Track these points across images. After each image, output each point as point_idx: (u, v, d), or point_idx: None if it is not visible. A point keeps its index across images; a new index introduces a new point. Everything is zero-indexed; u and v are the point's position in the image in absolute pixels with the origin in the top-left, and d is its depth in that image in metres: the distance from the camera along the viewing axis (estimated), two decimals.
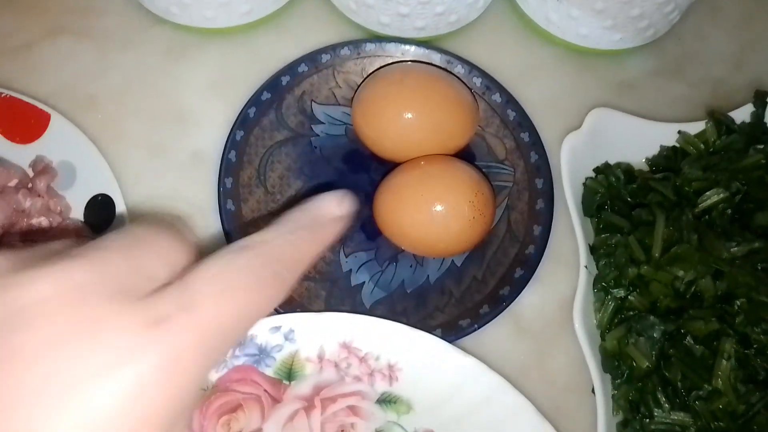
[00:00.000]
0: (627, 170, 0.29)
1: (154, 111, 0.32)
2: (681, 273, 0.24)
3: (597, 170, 0.29)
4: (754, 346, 0.23)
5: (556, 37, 0.33)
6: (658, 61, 0.35)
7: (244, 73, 0.32)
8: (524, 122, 0.30)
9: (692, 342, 0.24)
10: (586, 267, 0.26)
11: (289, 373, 0.25)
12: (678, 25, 0.34)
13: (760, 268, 0.24)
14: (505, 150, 0.30)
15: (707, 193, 0.25)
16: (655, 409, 0.24)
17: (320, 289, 0.27)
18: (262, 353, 0.24)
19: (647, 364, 0.24)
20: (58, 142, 0.28)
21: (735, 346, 0.23)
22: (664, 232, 0.25)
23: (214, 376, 0.24)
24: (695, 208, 0.25)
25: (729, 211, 0.25)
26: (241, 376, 0.24)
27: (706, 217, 0.25)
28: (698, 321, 0.24)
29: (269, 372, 0.24)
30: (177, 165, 0.30)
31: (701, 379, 0.23)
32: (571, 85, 0.33)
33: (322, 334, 0.24)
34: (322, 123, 0.30)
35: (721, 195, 0.25)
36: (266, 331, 0.24)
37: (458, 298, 0.27)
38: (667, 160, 0.28)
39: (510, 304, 0.26)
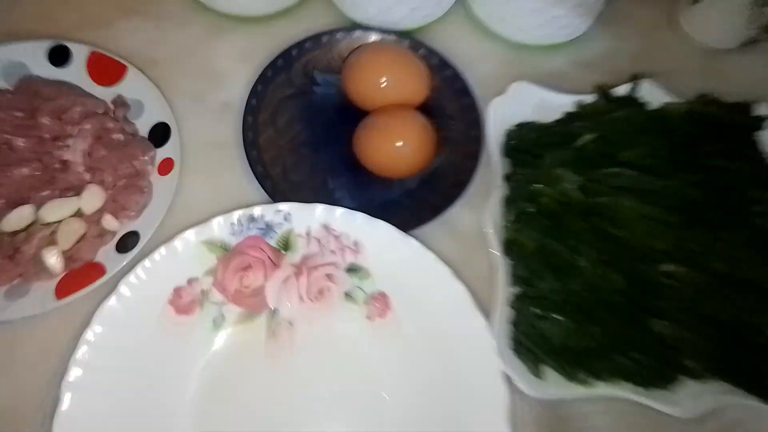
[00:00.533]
0: (538, 126, 0.39)
1: (197, 71, 0.43)
2: (560, 188, 0.35)
3: (517, 125, 0.39)
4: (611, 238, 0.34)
5: (500, 34, 0.44)
6: (579, 55, 0.46)
7: (265, 47, 0.43)
8: (466, 90, 0.41)
9: (566, 235, 0.34)
10: (498, 187, 0.37)
11: (286, 244, 0.35)
12: (596, 27, 0.46)
13: (617, 185, 0.35)
14: (453, 110, 0.41)
15: (582, 134, 0.36)
16: (537, 280, 0.34)
17: (310, 201, 0.38)
18: (268, 228, 0.35)
19: (533, 245, 0.34)
20: (131, 86, 0.39)
21: (593, 237, 0.34)
22: (551, 161, 0.35)
23: (233, 240, 0.35)
24: (573, 142, 0.36)
25: (598, 147, 0.36)
26: (253, 243, 0.35)
27: (585, 150, 0.36)
28: (571, 219, 0.34)
29: (272, 242, 0.35)
30: (213, 109, 0.41)
31: (571, 260, 0.34)
32: (510, 70, 0.44)
33: (310, 218, 0.35)
34: (319, 84, 0.42)
35: (591, 136, 0.36)
36: (272, 212, 0.35)
37: (410, 208, 0.38)
38: (565, 120, 0.39)
39: (443, 212, 0.37)
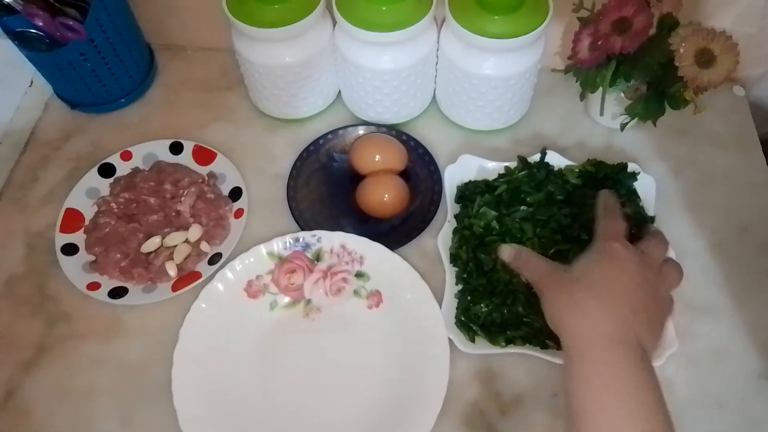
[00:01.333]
0: (478, 182, 0.59)
1: (259, 154, 0.66)
2: (484, 221, 0.54)
3: (465, 183, 0.59)
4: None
5: (459, 124, 0.65)
6: (514, 135, 0.66)
7: (303, 138, 0.65)
8: (432, 161, 0.62)
9: (488, 250, 0.53)
10: (449, 222, 0.56)
11: (318, 257, 0.56)
12: (527, 116, 0.66)
13: (520, 217, 0.54)
14: (423, 174, 0.62)
15: (500, 186, 0.56)
16: (471, 279, 0.53)
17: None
18: (307, 246, 0.56)
19: (466, 257, 0.53)
20: (219, 165, 0.62)
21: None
22: (478, 203, 0.55)
23: (285, 252, 0.55)
24: (494, 192, 0.55)
25: (509, 193, 0.55)
26: (297, 255, 0.55)
27: (501, 196, 0.55)
28: (492, 239, 0.53)
29: (309, 255, 0.56)
30: (269, 178, 0.63)
31: (489, 265, 0.52)
32: (464, 147, 0.65)
33: (333, 241, 0.56)
34: (337, 161, 0.63)
35: (505, 186, 0.55)
36: (309, 236, 0.56)
37: (394, 236, 0.58)
38: (497, 178, 0.59)
39: (415, 238, 0.57)
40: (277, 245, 0.56)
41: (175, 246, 0.57)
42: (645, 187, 0.58)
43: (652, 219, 0.57)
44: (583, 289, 0.42)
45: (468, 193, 0.58)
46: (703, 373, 0.52)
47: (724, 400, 0.51)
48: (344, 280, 0.55)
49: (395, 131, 0.64)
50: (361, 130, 0.64)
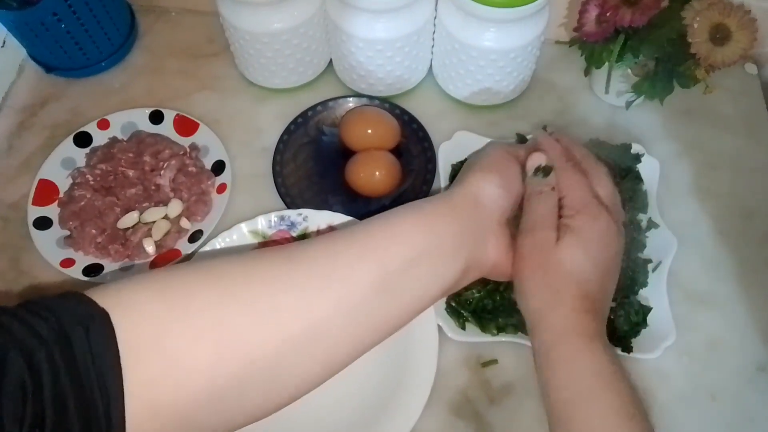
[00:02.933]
0: None
1: (246, 127, 0.63)
2: None
3: (460, 161, 0.56)
4: None
5: (456, 98, 0.62)
6: (513, 112, 0.63)
7: (292, 110, 0.62)
8: (426, 138, 0.59)
9: None
10: None
11: (303, 236, 0.53)
12: (528, 91, 0.63)
13: None
14: (417, 151, 0.59)
15: None
16: None
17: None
18: (292, 225, 0.53)
19: None
20: (202, 136, 0.59)
21: None
22: None
23: (269, 231, 0.53)
24: None
25: None
26: (282, 235, 0.53)
27: None
28: None
29: (295, 234, 0.53)
30: (255, 151, 0.60)
31: None
32: (461, 123, 0.62)
33: (319, 220, 0.53)
34: (326, 135, 0.60)
35: None
36: (295, 215, 0.53)
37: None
38: None
39: None
40: (261, 223, 0.53)
41: (154, 222, 0.54)
42: (648, 169, 0.56)
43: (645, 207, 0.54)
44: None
45: None
46: (698, 364, 0.50)
47: (718, 393, 0.49)
48: None
49: (388, 104, 0.61)
50: (351, 103, 0.61)
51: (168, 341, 0.32)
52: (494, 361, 0.50)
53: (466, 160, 0.56)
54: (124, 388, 0.30)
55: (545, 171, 0.44)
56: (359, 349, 0.38)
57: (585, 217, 0.41)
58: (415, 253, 0.38)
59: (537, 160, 0.44)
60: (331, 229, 0.53)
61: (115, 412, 0.29)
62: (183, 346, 0.32)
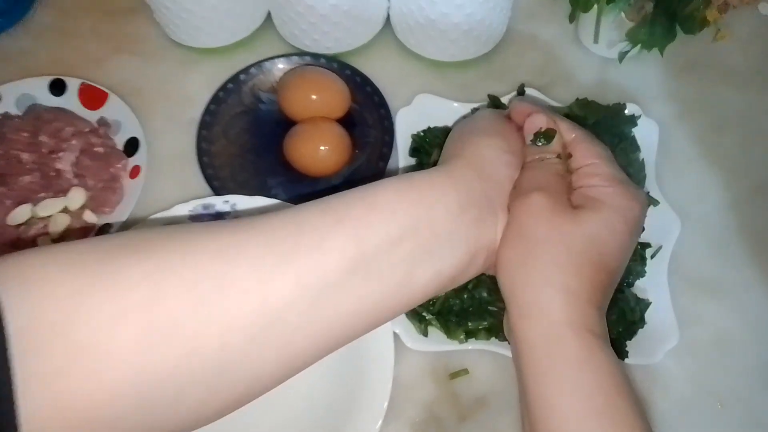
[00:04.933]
0: (443, 130, 0.47)
1: (171, 96, 0.53)
2: None
3: (423, 131, 0.47)
4: None
5: (418, 54, 0.52)
6: (486, 69, 0.53)
7: (225, 74, 0.52)
8: (383, 103, 0.49)
9: None
10: None
11: None
12: (501, 46, 0.53)
13: None
14: (372, 119, 0.49)
15: None
16: None
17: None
18: (218, 215, 0.44)
19: None
20: (112, 109, 0.49)
21: None
22: (435, 156, 0.43)
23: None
24: None
25: None
26: None
27: None
28: None
29: None
30: (182, 125, 0.51)
31: None
32: (427, 84, 0.52)
33: (251, 207, 0.44)
34: (264, 103, 0.51)
35: None
36: (221, 202, 0.44)
37: None
38: None
39: None
40: (180, 214, 0.44)
41: (50, 216, 0.45)
42: (645, 134, 0.47)
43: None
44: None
45: (426, 144, 0.46)
46: (703, 366, 0.43)
47: (727, 399, 0.42)
48: None
49: (337, 63, 0.51)
50: (293, 63, 0.51)
51: (81, 324, 0.24)
52: (464, 372, 0.42)
53: (429, 129, 0.47)
54: (19, 384, 0.23)
55: (547, 136, 0.35)
56: (324, 346, 0.29)
57: (622, 192, 0.32)
58: (400, 228, 0.29)
59: (537, 122, 0.35)
60: None
61: (4, 416, 0.22)
62: (100, 330, 0.24)
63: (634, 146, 0.47)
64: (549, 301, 0.29)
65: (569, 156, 0.35)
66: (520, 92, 0.48)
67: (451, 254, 0.30)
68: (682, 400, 0.42)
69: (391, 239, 0.28)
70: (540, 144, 0.34)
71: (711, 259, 0.46)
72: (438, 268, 0.30)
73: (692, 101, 0.52)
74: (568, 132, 0.35)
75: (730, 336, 0.44)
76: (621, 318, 0.40)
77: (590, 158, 0.34)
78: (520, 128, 0.36)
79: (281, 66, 0.51)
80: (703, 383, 0.42)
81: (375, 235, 0.28)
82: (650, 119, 0.47)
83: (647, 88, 0.52)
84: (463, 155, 0.34)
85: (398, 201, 0.30)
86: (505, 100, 0.48)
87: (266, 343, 0.26)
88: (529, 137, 0.35)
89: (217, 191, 0.46)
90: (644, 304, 0.42)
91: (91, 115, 0.49)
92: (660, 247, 0.43)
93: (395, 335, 0.40)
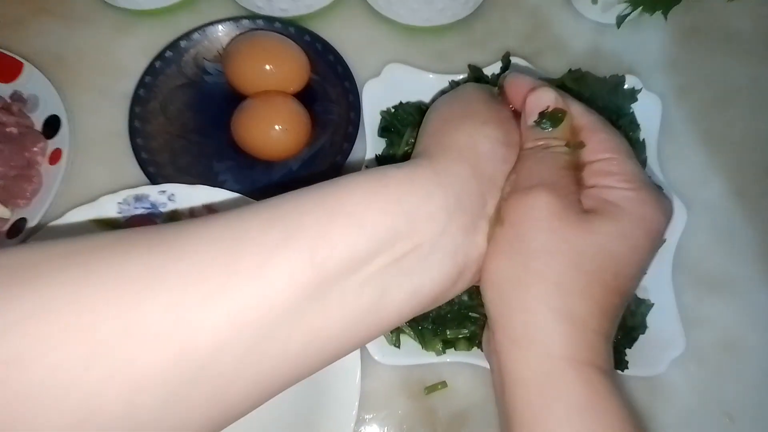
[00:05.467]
0: (417, 105, 0.41)
1: (102, 66, 0.45)
2: None
3: (394, 106, 0.41)
4: None
5: (389, 18, 0.46)
6: (467, 36, 0.47)
7: (165, 40, 0.45)
8: (348, 74, 0.42)
9: None
10: (366, 167, 0.38)
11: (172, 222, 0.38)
12: (484, 9, 0.47)
13: None
14: (335, 93, 0.43)
15: None
16: None
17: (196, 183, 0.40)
18: (153, 207, 0.37)
19: None
20: (28, 82, 0.42)
21: None
22: (409, 138, 0.37)
23: (120, 218, 0.37)
24: None
25: None
26: (141, 222, 0.37)
27: None
28: None
29: (159, 221, 0.37)
30: (115, 100, 0.43)
31: None
32: (398, 53, 0.46)
33: (192, 199, 0.37)
34: (210, 74, 0.43)
35: None
36: (156, 192, 0.37)
37: (291, 189, 0.39)
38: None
39: None
40: (107, 208, 0.37)
41: None
42: (647, 110, 0.41)
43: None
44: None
45: (397, 122, 0.40)
46: (709, 374, 0.38)
47: (736, 411, 0.38)
48: None
49: (294, 28, 0.44)
50: (241, 27, 0.44)
51: None
52: (442, 385, 0.37)
53: (401, 105, 0.41)
54: None
55: (554, 118, 0.28)
56: (269, 391, 0.23)
57: (646, 198, 0.26)
58: (370, 241, 0.22)
59: (544, 98, 0.28)
60: (209, 211, 0.38)
61: None
62: None
63: (634, 124, 0.41)
64: (548, 330, 0.23)
65: (580, 146, 0.28)
66: (505, 62, 0.42)
67: (434, 271, 0.24)
68: (686, 413, 0.37)
69: (357, 256, 0.22)
70: (545, 128, 0.28)
71: (717, 252, 0.41)
72: (416, 287, 0.23)
73: (697, 72, 0.46)
74: (580, 116, 0.29)
75: (740, 340, 0.39)
76: (620, 324, 0.35)
77: (607, 151, 0.27)
78: (515, 110, 0.30)
79: (229, 31, 0.44)
80: (709, 394, 0.38)
81: (337, 252, 0.22)
82: (653, 94, 0.41)
83: (647, 57, 0.46)
84: (453, 146, 0.27)
85: (368, 206, 0.23)
86: (487, 71, 0.41)
87: (189, 399, 0.20)
88: (532, 118, 0.28)
89: (153, 178, 0.39)
90: (646, 306, 0.36)
91: (2, 89, 0.41)
92: (663, 241, 0.38)
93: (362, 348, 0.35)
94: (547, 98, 0.28)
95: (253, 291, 0.20)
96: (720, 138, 0.44)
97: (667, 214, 0.27)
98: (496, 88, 0.32)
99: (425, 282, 0.23)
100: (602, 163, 0.27)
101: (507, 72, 0.34)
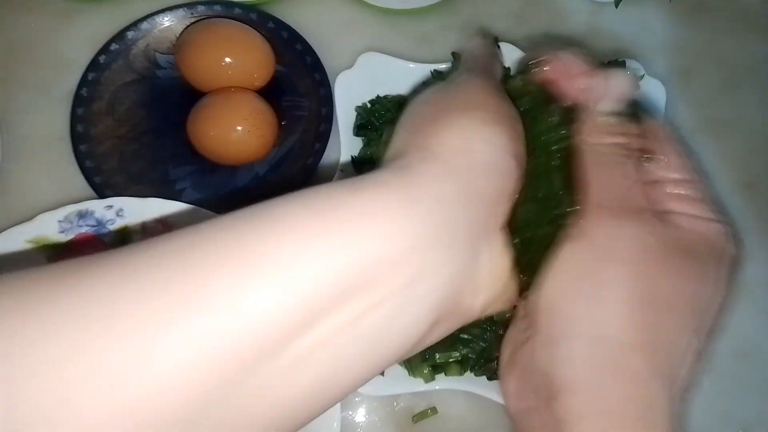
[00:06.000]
0: (396, 100, 0.37)
1: (44, 60, 0.40)
2: None
3: (371, 101, 0.37)
4: None
5: (365, 0, 0.41)
6: (450, 18, 0.42)
7: (109, 30, 0.40)
8: (317, 65, 0.38)
9: None
10: (342, 171, 0.34)
11: (122, 241, 0.33)
12: None
13: None
14: (305, 86, 0.38)
15: None
16: None
17: (148, 194, 0.35)
18: (100, 224, 0.33)
19: None
20: None
21: None
22: (388, 135, 0.33)
23: (64, 238, 0.32)
24: None
25: None
26: (86, 241, 0.33)
27: None
28: None
29: (107, 240, 0.33)
30: (58, 99, 0.38)
31: None
32: (376, 39, 0.41)
33: (144, 213, 0.33)
34: (164, 68, 0.39)
35: None
36: (102, 208, 0.33)
37: (258, 196, 0.35)
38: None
39: None
40: (47, 226, 0.32)
41: None
42: (649, 98, 0.38)
43: None
44: None
45: (374, 118, 0.36)
46: (723, 385, 0.35)
47: (752, 425, 0.35)
48: None
49: (256, 14, 0.39)
50: (196, 14, 0.39)
51: None
52: (432, 411, 0.33)
53: (378, 99, 0.36)
54: None
55: (638, 111, 0.23)
56: None
57: (725, 232, 0.21)
58: (306, 305, 0.16)
59: (623, 84, 0.22)
60: (165, 226, 0.33)
61: None
62: None
63: (638, 110, 0.37)
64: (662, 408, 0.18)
65: (659, 158, 0.22)
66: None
67: (407, 329, 0.18)
68: (698, 429, 0.34)
69: (285, 329, 0.16)
70: (620, 122, 0.22)
71: None
72: (379, 353, 0.18)
73: (701, 53, 0.42)
74: (651, 121, 0.23)
75: (753, 346, 0.36)
76: None
77: (686, 171, 0.22)
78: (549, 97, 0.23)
79: (182, 18, 0.39)
80: (724, 407, 0.35)
81: (254, 325, 0.15)
82: (655, 80, 0.38)
83: (649, 38, 0.42)
84: (439, 150, 0.20)
85: (308, 244, 0.17)
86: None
87: None
88: (611, 104, 0.22)
89: (100, 190, 0.35)
90: None
91: None
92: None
93: None
94: (627, 83, 0.22)
95: (181, 357, 0.15)
96: (728, 125, 0.41)
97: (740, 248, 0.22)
98: (518, 73, 0.26)
99: (383, 341, 0.18)
100: (679, 185, 0.22)
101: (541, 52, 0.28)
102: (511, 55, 0.37)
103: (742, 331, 0.36)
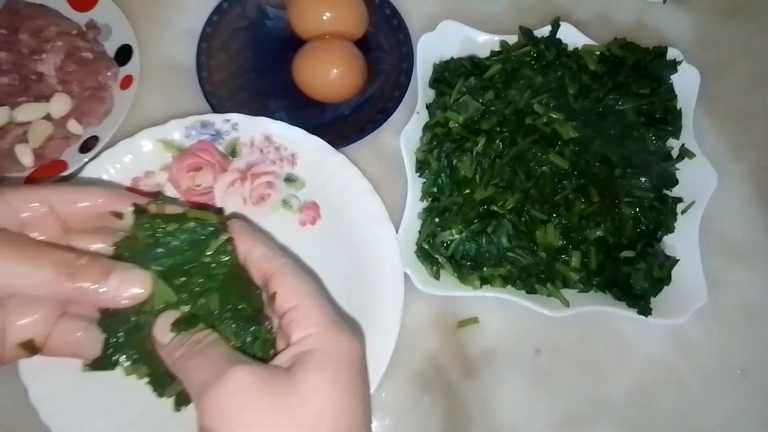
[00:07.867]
0: (469, 60, 0.43)
1: (165, 1, 0.47)
2: (465, 114, 0.39)
3: (446, 60, 0.43)
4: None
5: None
6: (518, 1, 0.48)
7: None
8: (401, 27, 0.45)
9: (467, 157, 0.38)
10: (418, 113, 0.41)
11: (233, 151, 0.40)
12: None
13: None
14: (389, 44, 0.45)
15: (492, 67, 0.40)
16: (440, 194, 0.38)
17: None
18: (218, 134, 0.40)
19: (437, 165, 0.38)
20: (103, 12, 0.44)
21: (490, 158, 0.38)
22: (461, 89, 0.39)
23: (186, 142, 0.39)
24: (484, 74, 0.40)
25: (503, 79, 0.40)
26: (203, 147, 0.40)
27: (492, 81, 0.40)
28: (470, 139, 0.38)
29: (221, 148, 0.40)
30: (178, 34, 0.46)
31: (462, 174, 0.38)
32: (451, 11, 0.47)
33: (254, 129, 0.40)
34: (271, 19, 0.46)
35: (499, 67, 0.39)
36: (221, 121, 0.39)
37: (340, 130, 0.42)
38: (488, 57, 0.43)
39: (370, 134, 0.41)
40: (176, 131, 0.40)
41: (30, 123, 0.40)
42: (684, 82, 0.43)
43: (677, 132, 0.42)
44: None
45: (448, 74, 0.42)
46: (728, 333, 0.40)
47: (750, 369, 0.40)
48: (269, 185, 0.40)
49: None
50: None
51: None
52: (474, 320, 0.39)
53: (452, 60, 0.43)
54: None
55: (189, 321, 0.28)
56: None
57: (338, 335, 0.27)
58: None
59: (166, 319, 0.28)
60: (269, 142, 0.40)
61: None
62: None
63: (672, 93, 0.43)
64: None
65: (273, 298, 0.28)
66: (555, 26, 0.43)
67: None
68: (704, 367, 0.39)
69: None
70: (184, 332, 0.27)
71: (744, 221, 0.43)
72: None
73: (737, 50, 0.48)
74: (268, 260, 0.29)
75: (759, 304, 0.41)
76: (647, 274, 0.37)
77: (293, 298, 0.28)
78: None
79: None
80: (726, 350, 0.40)
81: None
82: (691, 66, 0.43)
83: (689, 33, 0.48)
84: None
85: None
86: (538, 33, 0.43)
87: None
88: (169, 335, 0.27)
89: (215, 109, 0.42)
90: (672, 261, 0.39)
91: (79, 17, 0.44)
92: (693, 203, 0.40)
93: (405, 276, 0.37)
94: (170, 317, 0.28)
95: None
96: (756, 115, 0.46)
97: (360, 339, 0.28)
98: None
99: None
100: (291, 313, 0.27)
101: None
102: (571, 36, 0.43)
103: (750, 292, 0.41)
